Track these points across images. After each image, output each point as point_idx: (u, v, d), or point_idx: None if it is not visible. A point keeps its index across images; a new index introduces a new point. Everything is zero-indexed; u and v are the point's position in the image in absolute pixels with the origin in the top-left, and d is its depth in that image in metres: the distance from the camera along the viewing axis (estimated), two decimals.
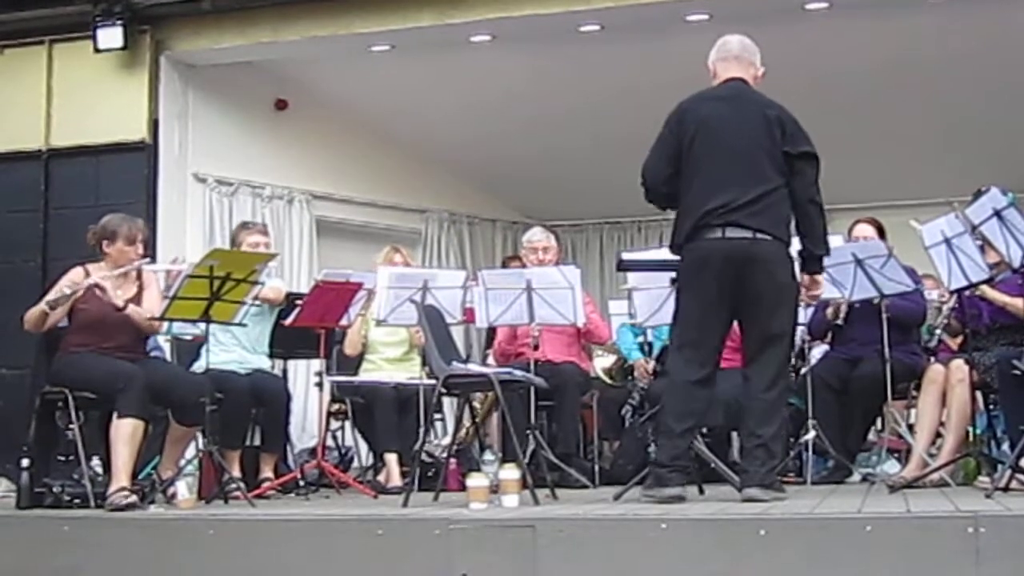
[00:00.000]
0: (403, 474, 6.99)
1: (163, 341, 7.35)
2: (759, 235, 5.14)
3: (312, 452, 7.67)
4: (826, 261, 6.34)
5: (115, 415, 5.77)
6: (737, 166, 5.20)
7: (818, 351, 7.30)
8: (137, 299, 6.16)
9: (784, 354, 5.27)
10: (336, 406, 7.64)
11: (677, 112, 5.40)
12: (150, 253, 6.53)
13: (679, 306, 5.37)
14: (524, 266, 7.66)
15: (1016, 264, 5.29)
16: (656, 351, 7.44)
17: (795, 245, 5.36)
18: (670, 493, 5.08)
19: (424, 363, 7.36)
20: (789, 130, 5.24)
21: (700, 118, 5.32)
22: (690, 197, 5.27)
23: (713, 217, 5.18)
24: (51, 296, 6.01)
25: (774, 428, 5.13)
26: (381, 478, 7.17)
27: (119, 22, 8.56)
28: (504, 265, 9.20)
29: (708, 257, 5.21)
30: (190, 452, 6.37)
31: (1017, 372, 5.59)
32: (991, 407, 6.44)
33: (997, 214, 5.26)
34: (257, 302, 6.62)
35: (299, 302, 7.05)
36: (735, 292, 5.19)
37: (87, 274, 6.11)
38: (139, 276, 6.26)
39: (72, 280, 6.08)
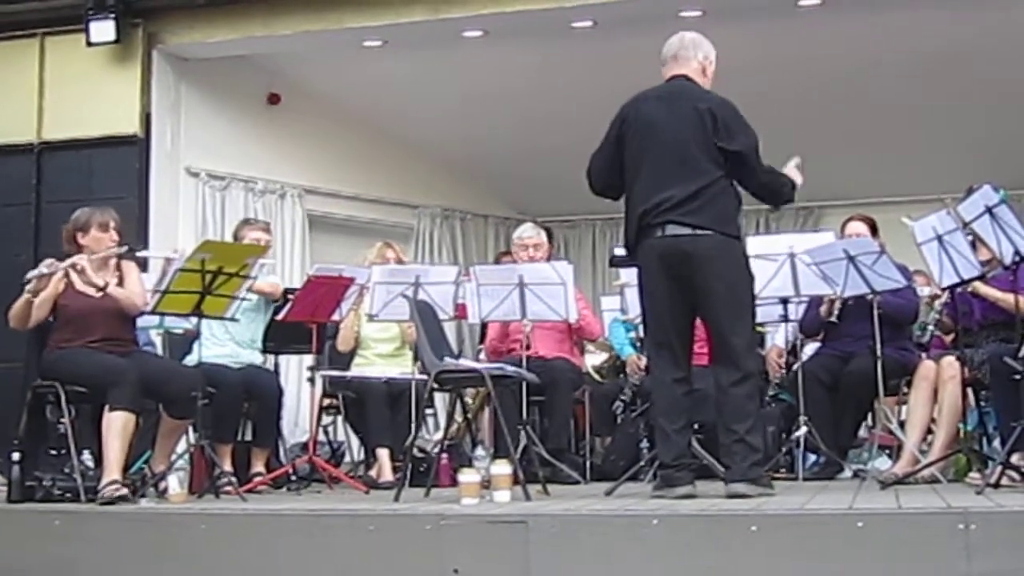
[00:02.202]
0: (395, 469, 6.99)
1: (155, 336, 7.34)
2: (699, 231, 5.16)
3: (304, 447, 7.65)
4: (818, 257, 6.41)
5: (107, 408, 5.76)
6: (673, 164, 5.23)
7: (810, 348, 7.31)
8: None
9: (744, 348, 5.23)
10: (328, 401, 7.64)
11: (618, 115, 5.47)
12: (138, 247, 6.51)
13: (641, 308, 5.44)
14: (514, 262, 7.66)
15: (1007, 261, 5.30)
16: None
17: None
18: (680, 492, 5.10)
19: (416, 359, 7.35)
20: (722, 122, 5.22)
21: (636, 119, 5.39)
22: (632, 199, 5.35)
23: (651, 217, 5.23)
24: (30, 275, 5.98)
25: (749, 422, 5.14)
26: (373, 473, 7.17)
27: (111, 15, 8.54)
28: (497, 261, 9.20)
29: (651, 258, 5.27)
30: (181, 446, 6.37)
31: (1009, 369, 5.60)
32: (982, 403, 6.45)
33: (989, 211, 5.27)
34: (252, 296, 6.63)
35: (292, 297, 7.06)
36: (685, 290, 5.23)
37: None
38: (119, 267, 6.24)
39: (48, 262, 6.06)
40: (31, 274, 6.00)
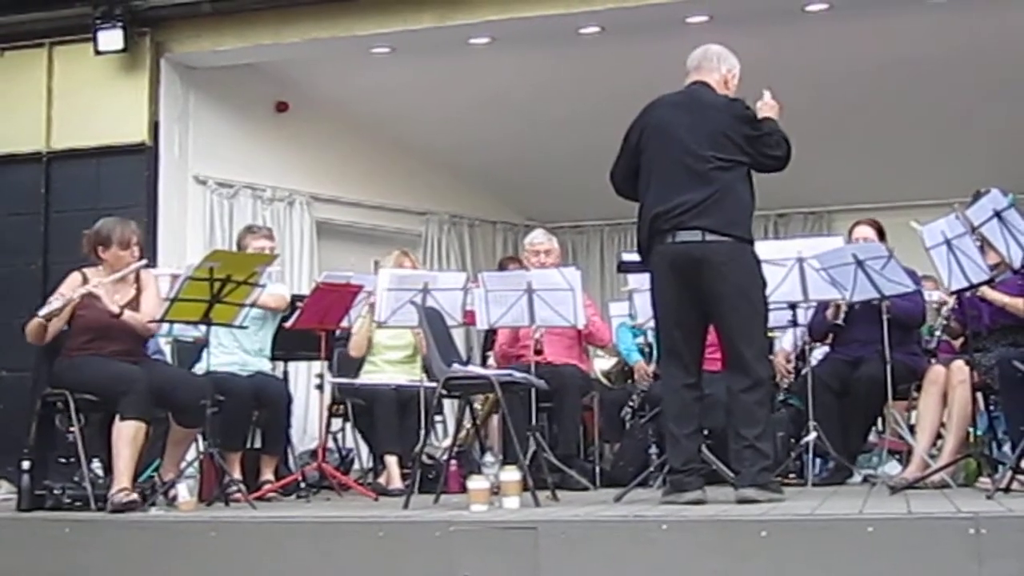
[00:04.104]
0: (404, 476, 6.99)
1: (164, 344, 7.35)
2: (709, 235, 5.17)
3: (313, 454, 7.66)
4: (827, 262, 6.40)
5: (117, 417, 5.77)
6: (686, 168, 5.24)
7: (819, 352, 7.30)
8: (136, 302, 6.15)
9: (755, 354, 5.23)
10: (337, 408, 7.64)
11: (635, 120, 5.50)
12: (147, 255, 6.51)
13: (654, 314, 5.43)
14: (522, 267, 7.66)
15: (1016, 265, 5.30)
16: (657, 353, 7.44)
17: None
18: (689, 497, 5.10)
19: (425, 367, 7.36)
20: (741, 115, 5.30)
21: (653, 123, 5.41)
22: (645, 204, 5.37)
23: (663, 222, 5.25)
24: (44, 311, 5.99)
25: (759, 428, 5.13)
26: (382, 480, 7.17)
27: (119, 24, 8.56)
28: (501, 267, 9.20)
29: (662, 264, 5.29)
30: (191, 454, 6.37)
31: (1018, 373, 5.59)
32: (992, 408, 6.44)
33: (997, 215, 5.26)
34: (259, 309, 6.64)
35: (300, 304, 7.06)
36: (696, 296, 5.23)
37: (84, 279, 6.10)
38: (137, 279, 6.25)
39: (63, 292, 6.05)
40: (44, 310, 5.99)
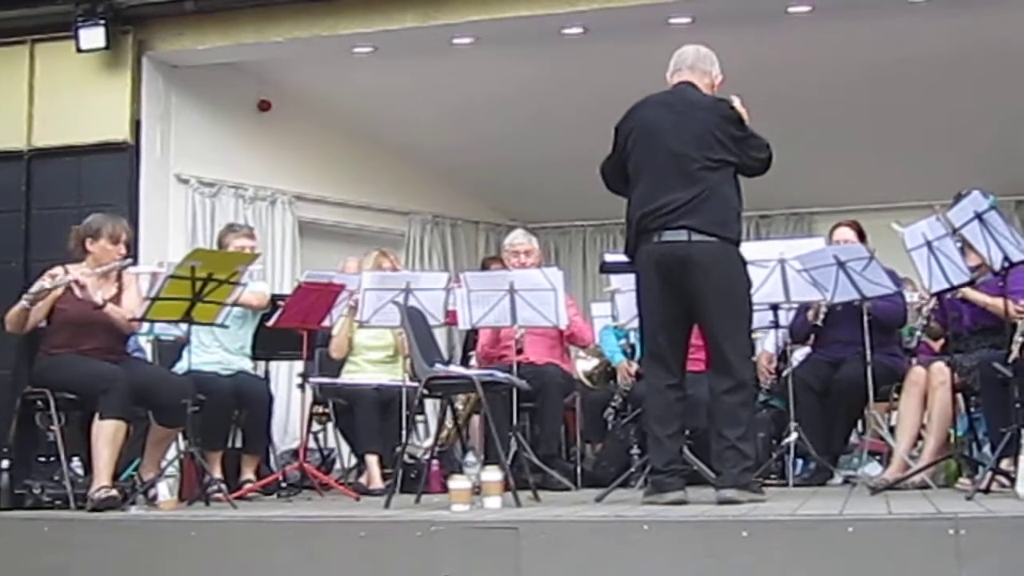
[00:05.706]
0: (385, 476, 6.98)
1: (145, 343, 7.33)
2: (696, 235, 5.16)
3: (294, 454, 7.64)
4: (808, 263, 6.41)
5: (97, 416, 5.74)
6: (673, 168, 5.24)
7: (800, 353, 7.32)
8: (116, 300, 6.14)
9: (738, 355, 5.23)
10: (318, 408, 7.62)
11: (624, 118, 5.49)
12: (132, 254, 6.49)
13: (639, 314, 5.43)
14: (504, 268, 7.66)
15: (997, 267, 5.31)
16: (639, 354, 7.44)
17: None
18: (671, 498, 5.11)
19: (407, 367, 7.35)
20: (727, 116, 5.30)
21: (640, 122, 5.40)
22: (632, 203, 5.37)
23: (650, 221, 5.25)
24: (32, 290, 5.97)
25: (741, 430, 5.13)
26: (363, 480, 7.17)
27: (101, 22, 8.51)
28: (484, 267, 9.19)
29: (648, 263, 5.29)
30: (171, 453, 6.35)
31: (999, 375, 5.60)
32: (972, 409, 6.46)
33: (978, 217, 5.28)
34: (239, 308, 6.62)
35: (282, 303, 7.04)
36: (681, 296, 5.23)
37: (66, 274, 6.09)
38: (119, 278, 6.23)
39: (52, 275, 6.05)
40: (33, 288, 5.98)
